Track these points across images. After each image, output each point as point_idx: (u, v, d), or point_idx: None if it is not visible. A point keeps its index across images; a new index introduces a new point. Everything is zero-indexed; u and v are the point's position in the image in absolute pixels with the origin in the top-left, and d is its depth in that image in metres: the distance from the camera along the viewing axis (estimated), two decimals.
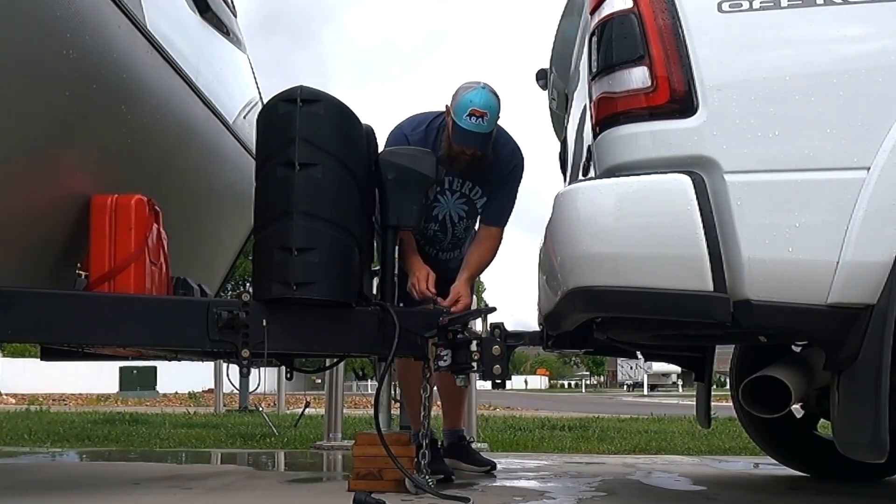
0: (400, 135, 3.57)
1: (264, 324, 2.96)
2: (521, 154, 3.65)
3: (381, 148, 3.43)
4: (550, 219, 2.46)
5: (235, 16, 4.53)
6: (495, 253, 3.68)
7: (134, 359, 4.00)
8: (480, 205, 3.65)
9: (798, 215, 2.13)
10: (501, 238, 3.69)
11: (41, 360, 3.85)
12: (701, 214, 2.13)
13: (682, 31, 2.22)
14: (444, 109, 3.52)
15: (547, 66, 3.55)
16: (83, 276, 3.04)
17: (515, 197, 3.67)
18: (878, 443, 2.02)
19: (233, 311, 2.95)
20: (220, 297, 4.14)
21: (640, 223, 2.22)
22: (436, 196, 3.58)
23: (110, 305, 2.95)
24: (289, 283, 2.94)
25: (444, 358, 3.12)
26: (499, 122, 3.48)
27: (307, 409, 8.66)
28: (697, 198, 2.14)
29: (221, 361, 10.84)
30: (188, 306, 3.08)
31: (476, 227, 3.80)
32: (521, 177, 3.67)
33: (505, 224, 3.68)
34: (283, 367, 11.19)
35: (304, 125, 2.99)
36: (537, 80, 3.65)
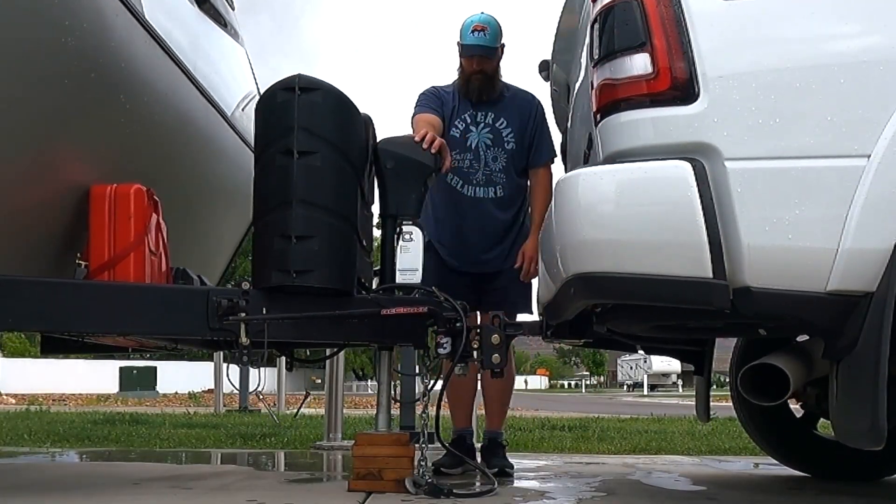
0: (432, 89, 3.91)
1: (264, 312, 2.96)
2: (537, 98, 3.95)
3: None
4: (551, 206, 2.47)
5: (233, 8, 4.52)
6: (552, 190, 3.77)
7: (135, 350, 4.00)
8: (506, 134, 3.86)
9: (798, 202, 2.13)
10: (552, 173, 3.93)
11: (41, 353, 3.86)
12: (701, 201, 2.13)
13: (684, 18, 2.22)
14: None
15: (549, 57, 3.56)
16: (83, 266, 3.04)
17: (549, 133, 3.95)
18: (875, 430, 2.02)
19: (232, 300, 2.94)
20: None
21: (640, 210, 2.22)
22: (467, 127, 3.87)
23: (110, 294, 2.95)
24: (288, 271, 2.94)
25: (444, 345, 3.10)
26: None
27: (307, 409, 8.67)
28: (698, 185, 2.14)
29: (222, 361, 10.89)
30: (188, 294, 3.08)
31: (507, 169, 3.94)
32: (545, 115, 3.95)
33: (552, 159, 3.93)
34: (284, 368, 11.15)
35: (303, 113, 2.98)
36: (540, 71, 3.66)
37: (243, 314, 2.94)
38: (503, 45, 3.84)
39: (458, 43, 3.81)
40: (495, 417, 4.01)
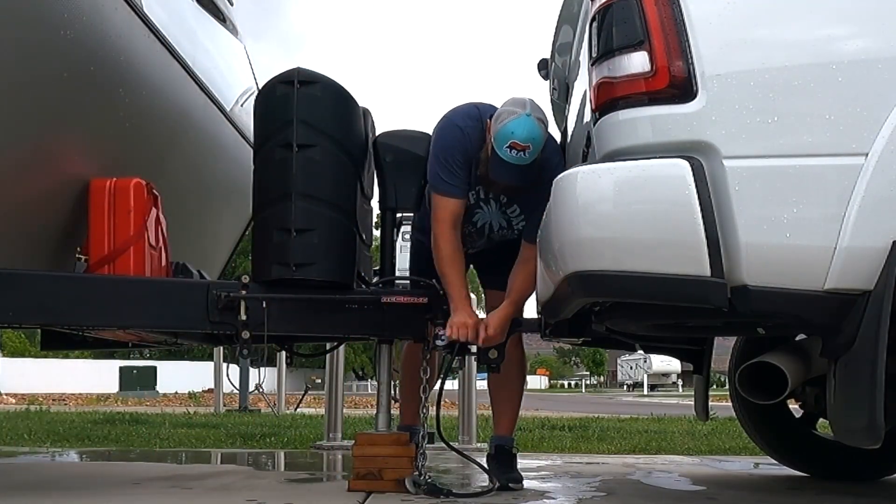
0: (458, 143, 3.15)
1: (264, 305, 2.97)
2: (560, 166, 3.08)
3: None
4: (549, 204, 2.47)
5: (232, 3, 4.53)
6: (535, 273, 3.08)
7: (135, 345, 4.00)
8: (517, 222, 3.29)
9: (796, 201, 2.12)
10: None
11: (42, 349, 3.86)
12: (699, 200, 2.12)
13: (683, 16, 2.22)
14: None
15: (548, 55, 3.57)
16: (83, 260, 3.05)
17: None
18: (873, 428, 2.02)
19: (232, 293, 2.96)
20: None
21: (638, 208, 2.21)
22: (478, 202, 3.29)
23: (110, 287, 2.97)
24: (288, 264, 2.96)
25: (442, 338, 3.10)
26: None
27: (307, 409, 8.69)
28: (696, 183, 2.13)
29: (222, 360, 10.90)
30: (188, 288, 3.10)
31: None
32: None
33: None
34: (283, 366, 11.15)
35: (302, 107, 3.00)
36: (539, 70, 3.66)
37: (244, 291, 2.96)
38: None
39: (489, 128, 3.06)
40: (504, 420, 3.54)
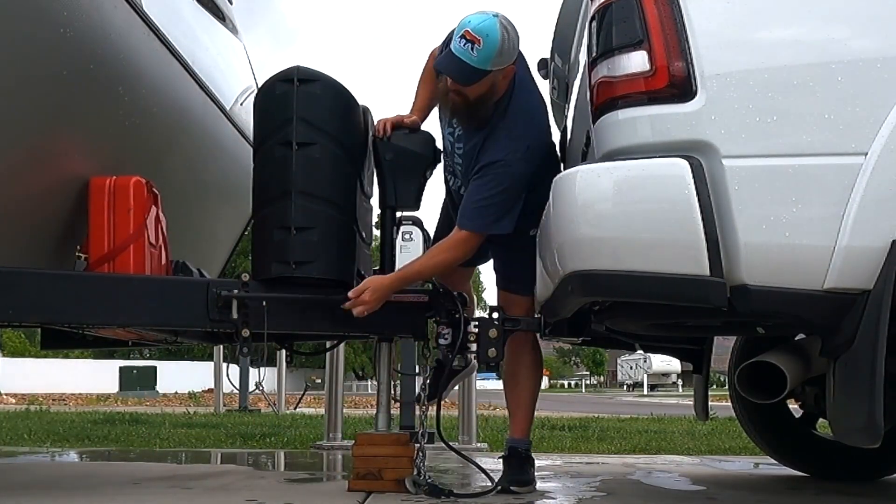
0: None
1: (264, 303, 2.97)
2: (523, 152, 2.97)
3: None
4: (548, 203, 2.47)
5: (231, 2, 4.53)
6: (438, 261, 3.04)
7: (135, 344, 4.00)
8: (459, 154, 3.16)
9: (795, 200, 2.13)
10: (461, 247, 3.01)
11: (42, 348, 3.87)
12: (698, 199, 2.14)
13: (682, 15, 2.23)
14: None
15: (548, 55, 3.57)
16: (83, 259, 3.05)
17: (488, 197, 2.96)
18: (872, 428, 2.03)
19: (232, 291, 2.96)
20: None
21: (637, 207, 2.23)
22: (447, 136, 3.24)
23: (111, 286, 2.97)
24: (288, 262, 2.96)
25: (445, 336, 3.09)
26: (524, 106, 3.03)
27: (307, 409, 8.69)
28: (695, 182, 2.14)
29: (222, 360, 10.91)
30: (188, 286, 3.10)
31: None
32: (503, 179, 2.95)
33: (467, 227, 2.99)
34: (283, 368, 11.12)
35: (302, 105, 3.00)
36: (539, 69, 3.66)
37: (236, 290, 2.96)
38: (501, 70, 2.93)
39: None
40: (515, 421, 3.32)
